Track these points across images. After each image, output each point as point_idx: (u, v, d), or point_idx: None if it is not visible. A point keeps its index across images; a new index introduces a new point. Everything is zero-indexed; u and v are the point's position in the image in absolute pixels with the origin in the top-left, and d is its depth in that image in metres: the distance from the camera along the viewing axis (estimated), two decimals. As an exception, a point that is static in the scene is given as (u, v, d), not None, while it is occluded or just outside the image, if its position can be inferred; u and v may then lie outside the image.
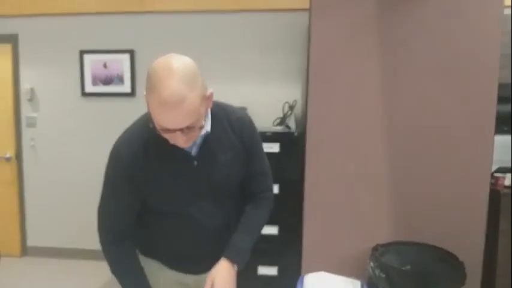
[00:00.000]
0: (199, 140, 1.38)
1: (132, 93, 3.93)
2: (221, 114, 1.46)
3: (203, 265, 1.59)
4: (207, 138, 1.40)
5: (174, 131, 1.22)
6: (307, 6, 3.06)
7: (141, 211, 1.48)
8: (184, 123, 1.20)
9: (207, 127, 1.38)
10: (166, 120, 1.19)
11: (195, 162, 1.41)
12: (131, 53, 3.89)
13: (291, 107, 3.35)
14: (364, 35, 2.51)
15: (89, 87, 4.01)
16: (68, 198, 4.09)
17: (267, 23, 3.66)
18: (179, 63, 1.20)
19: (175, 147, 1.33)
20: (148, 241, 1.56)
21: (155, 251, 1.59)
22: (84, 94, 4.01)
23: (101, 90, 3.99)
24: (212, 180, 1.44)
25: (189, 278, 1.63)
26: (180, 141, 1.26)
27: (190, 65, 1.22)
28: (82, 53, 3.95)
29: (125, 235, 1.48)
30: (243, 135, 1.48)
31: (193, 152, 1.40)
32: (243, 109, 3.43)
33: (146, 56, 3.85)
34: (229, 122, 1.46)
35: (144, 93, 1.23)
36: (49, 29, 3.99)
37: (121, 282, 1.48)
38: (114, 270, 1.47)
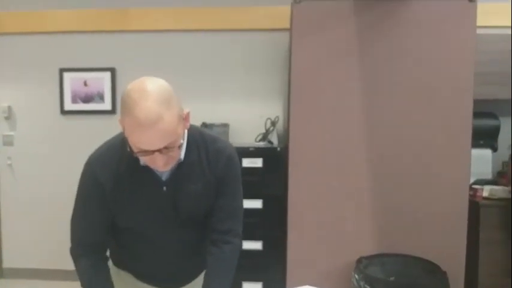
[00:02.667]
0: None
1: (112, 111, 3.91)
2: (199, 142, 1.43)
3: (173, 281, 1.60)
4: (180, 165, 1.37)
5: (153, 152, 1.20)
6: (287, 26, 3.14)
7: (111, 225, 1.47)
8: (162, 143, 1.18)
9: (181, 155, 1.36)
10: (143, 141, 1.17)
11: (164, 188, 1.38)
12: (112, 71, 3.88)
13: (273, 123, 3.39)
14: (343, 53, 2.59)
15: (68, 105, 3.96)
16: (46, 218, 3.99)
17: (249, 42, 3.72)
18: (153, 84, 1.19)
19: (146, 171, 1.33)
20: (119, 253, 1.55)
21: (126, 264, 1.59)
22: (64, 112, 3.96)
23: (81, 108, 3.95)
24: (179, 207, 1.42)
25: None
26: (160, 163, 1.23)
27: (164, 86, 1.21)
28: (62, 71, 3.92)
29: (96, 248, 1.46)
30: (217, 167, 1.43)
31: (164, 177, 1.38)
32: (225, 127, 3.52)
33: (127, 74, 3.84)
34: (206, 152, 1.43)
35: (119, 118, 1.22)
36: (28, 47, 3.95)
37: None
38: (83, 283, 1.44)
